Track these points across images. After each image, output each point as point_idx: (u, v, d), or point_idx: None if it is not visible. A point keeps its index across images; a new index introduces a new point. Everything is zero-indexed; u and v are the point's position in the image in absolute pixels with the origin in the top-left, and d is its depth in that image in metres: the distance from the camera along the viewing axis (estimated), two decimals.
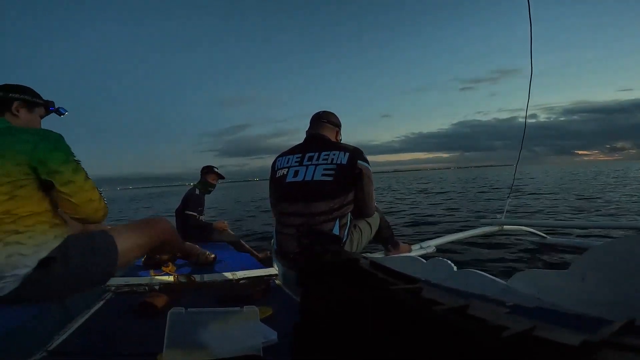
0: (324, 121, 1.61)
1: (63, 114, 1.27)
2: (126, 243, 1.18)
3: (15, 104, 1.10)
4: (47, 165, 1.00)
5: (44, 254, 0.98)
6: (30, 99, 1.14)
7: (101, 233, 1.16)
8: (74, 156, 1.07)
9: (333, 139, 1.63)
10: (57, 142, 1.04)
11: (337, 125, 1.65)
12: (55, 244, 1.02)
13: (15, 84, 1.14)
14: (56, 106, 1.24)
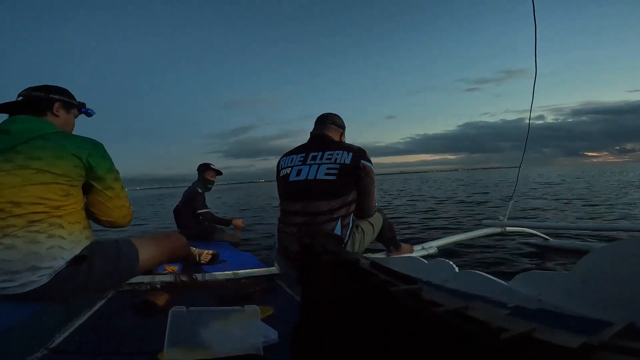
0: (329, 122, 1.61)
1: (92, 115, 1.34)
2: (147, 254, 1.28)
3: (57, 104, 1.18)
4: (95, 171, 1.11)
5: (77, 251, 1.07)
6: (68, 100, 1.21)
7: (126, 242, 1.26)
8: (114, 166, 1.19)
9: (337, 140, 1.63)
10: (104, 151, 1.15)
11: (342, 127, 1.66)
12: (87, 243, 1.11)
13: (53, 85, 1.20)
14: (87, 107, 1.31)
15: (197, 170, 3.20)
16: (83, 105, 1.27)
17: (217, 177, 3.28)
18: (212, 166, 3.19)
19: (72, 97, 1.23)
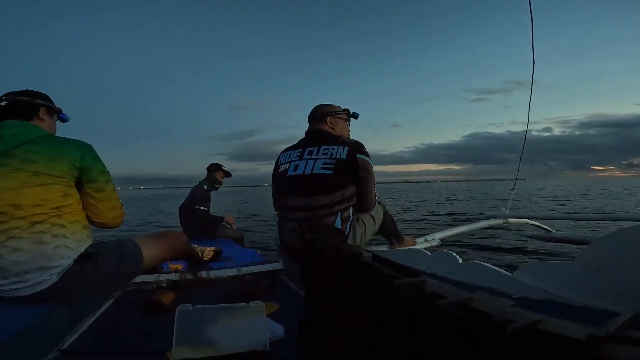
0: (319, 116, 1.60)
1: (66, 121, 1.35)
2: (150, 253, 1.31)
3: (42, 109, 1.19)
4: (89, 173, 1.14)
5: (82, 249, 1.10)
6: (51, 105, 1.23)
7: (129, 241, 1.28)
8: (106, 168, 1.21)
9: (331, 127, 1.61)
10: (95, 154, 1.18)
11: (328, 113, 1.60)
12: (89, 242, 1.14)
13: (35, 90, 1.21)
14: (63, 113, 1.32)
15: (207, 169, 3.31)
16: (61, 110, 1.29)
17: (224, 178, 3.39)
18: (223, 167, 3.30)
19: (52, 102, 1.25)
